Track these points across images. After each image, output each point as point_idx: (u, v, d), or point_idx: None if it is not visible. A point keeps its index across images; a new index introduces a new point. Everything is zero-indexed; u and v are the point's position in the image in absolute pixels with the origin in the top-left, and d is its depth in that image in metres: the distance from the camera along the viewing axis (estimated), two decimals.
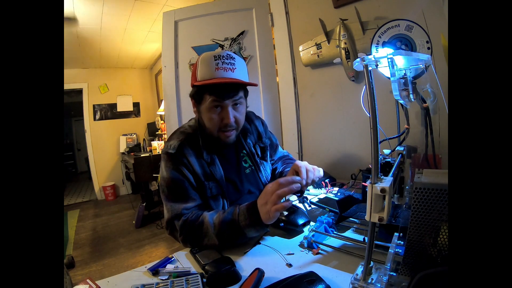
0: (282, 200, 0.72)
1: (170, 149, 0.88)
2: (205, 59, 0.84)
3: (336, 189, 1.20)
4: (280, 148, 1.22)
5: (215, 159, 0.92)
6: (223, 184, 0.91)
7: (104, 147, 4.80)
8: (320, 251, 0.75)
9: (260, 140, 1.08)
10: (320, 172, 0.90)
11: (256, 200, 0.76)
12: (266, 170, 1.07)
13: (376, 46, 1.19)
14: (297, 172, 0.84)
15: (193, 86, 0.88)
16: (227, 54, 0.85)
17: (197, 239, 0.79)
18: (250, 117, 1.10)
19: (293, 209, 0.91)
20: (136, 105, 5.13)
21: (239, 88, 0.87)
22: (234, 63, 0.84)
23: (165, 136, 3.83)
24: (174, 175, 0.86)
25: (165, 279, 0.67)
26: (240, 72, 0.86)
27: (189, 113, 1.04)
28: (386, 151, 0.78)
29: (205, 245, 0.79)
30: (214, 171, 0.90)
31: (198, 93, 0.86)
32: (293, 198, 1.19)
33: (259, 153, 1.06)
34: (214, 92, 0.83)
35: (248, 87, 0.93)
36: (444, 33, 1.01)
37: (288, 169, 1.03)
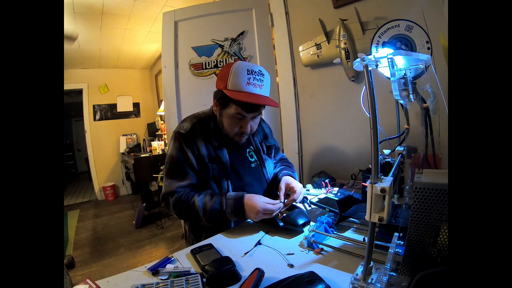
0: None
1: (182, 130, 0.96)
2: (238, 70, 0.87)
3: (336, 189, 1.20)
4: (280, 152, 1.32)
5: (223, 145, 0.99)
6: (227, 167, 0.98)
7: (104, 148, 4.79)
8: (320, 251, 0.75)
9: (266, 140, 1.16)
10: (301, 195, 1.01)
11: (243, 197, 0.89)
12: (270, 166, 1.13)
13: (376, 46, 1.19)
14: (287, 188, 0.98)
15: (220, 90, 0.91)
16: (259, 70, 0.90)
17: (190, 217, 0.97)
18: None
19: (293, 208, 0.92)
20: (136, 105, 5.12)
21: (263, 105, 0.93)
22: (263, 80, 0.90)
23: (165, 137, 3.82)
24: (178, 154, 0.95)
25: (165, 279, 0.67)
26: (266, 88, 0.93)
27: (189, 114, 1.05)
28: (386, 151, 0.78)
29: (197, 222, 0.96)
30: (220, 155, 0.97)
31: (225, 99, 0.91)
32: None
33: (265, 150, 1.14)
34: (241, 105, 0.89)
35: None
36: (444, 33, 1.01)
37: (285, 171, 1.12)
